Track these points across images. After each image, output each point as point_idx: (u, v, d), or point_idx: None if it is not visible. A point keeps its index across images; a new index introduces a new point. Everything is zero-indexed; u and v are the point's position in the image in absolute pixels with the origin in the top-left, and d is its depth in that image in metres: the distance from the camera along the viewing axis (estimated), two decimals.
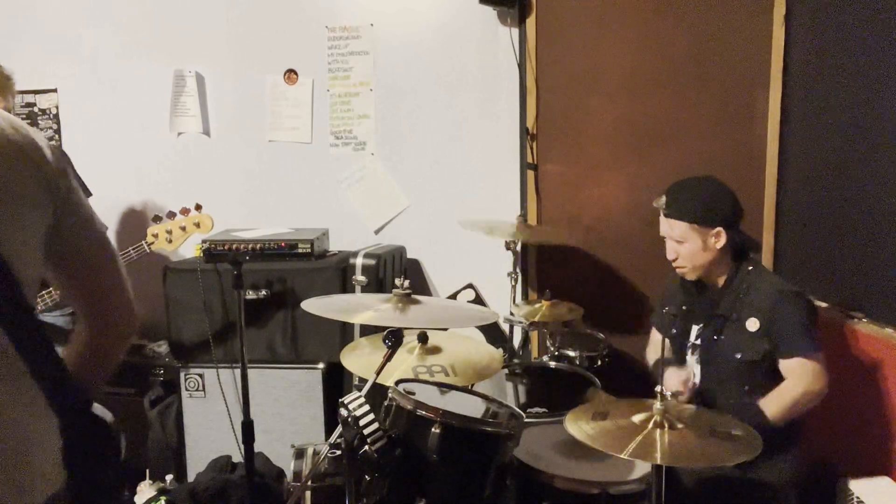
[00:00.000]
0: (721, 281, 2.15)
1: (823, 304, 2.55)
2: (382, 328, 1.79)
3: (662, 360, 1.94)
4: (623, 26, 3.09)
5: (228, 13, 3.32)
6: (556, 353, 2.62)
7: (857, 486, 2.08)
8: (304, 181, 3.36)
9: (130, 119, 3.42)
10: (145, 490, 2.71)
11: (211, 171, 3.41)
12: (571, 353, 2.60)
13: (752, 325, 2.05)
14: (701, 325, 2.19)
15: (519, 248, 3.00)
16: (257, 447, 2.46)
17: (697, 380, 2.17)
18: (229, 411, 2.83)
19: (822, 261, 2.71)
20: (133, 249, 2.53)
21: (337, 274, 2.84)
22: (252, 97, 3.36)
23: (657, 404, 1.60)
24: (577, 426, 1.61)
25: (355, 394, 1.60)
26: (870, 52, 2.39)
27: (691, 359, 2.20)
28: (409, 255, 3.30)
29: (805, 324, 2.01)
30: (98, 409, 1.21)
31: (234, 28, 3.32)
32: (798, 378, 2.00)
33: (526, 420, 1.81)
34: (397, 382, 1.77)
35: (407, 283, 2.12)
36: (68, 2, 3.39)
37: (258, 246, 2.86)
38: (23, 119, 2.68)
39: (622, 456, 1.48)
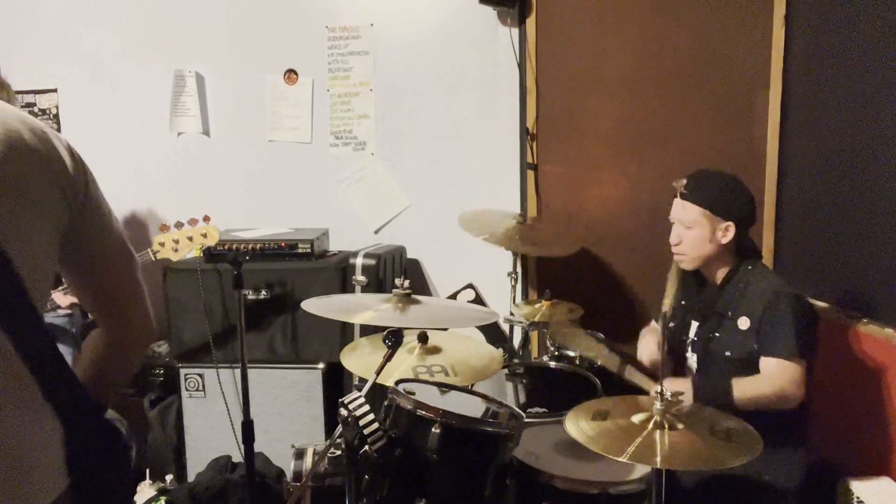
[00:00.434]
0: (720, 278, 2.14)
1: (823, 305, 2.55)
2: (382, 328, 1.79)
3: (663, 359, 1.94)
4: (623, 26, 3.10)
5: (228, 13, 3.32)
6: (556, 353, 2.62)
7: (858, 487, 2.08)
8: (304, 181, 3.36)
9: (130, 119, 3.42)
10: (145, 490, 2.71)
11: (211, 171, 3.41)
12: (571, 353, 2.60)
13: (744, 323, 2.04)
14: (699, 320, 2.19)
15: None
16: (257, 447, 2.46)
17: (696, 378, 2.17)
18: (229, 411, 2.83)
19: (822, 261, 2.71)
20: (138, 257, 2.54)
21: (337, 274, 2.84)
22: (252, 97, 3.36)
23: (657, 404, 1.60)
24: (577, 426, 1.61)
25: (355, 394, 1.60)
26: (870, 52, 2.39)
27: (694, 356, 2.20)
28: (409, 255, 3.30)
29: (796, 326, 1.98)
30: (113, 417, 1.20)
31: (234, 28, 3.32)
32: (773, 379, 1.97)
33: (526, 420, 1.81)
34: (397, 382, 1.77)
35: (407, 283, 2.12)
36: (68, 2, 3.39)
37: (258, 246, 2.86)
38: None
39: (622, 459, 1.48)
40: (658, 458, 1.48)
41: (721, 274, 2.14)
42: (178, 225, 2.58)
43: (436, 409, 1.61)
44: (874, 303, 2.35)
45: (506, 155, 3.23)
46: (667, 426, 1.56)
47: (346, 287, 2.83)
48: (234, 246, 2.82)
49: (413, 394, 1.68)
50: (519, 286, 3.10)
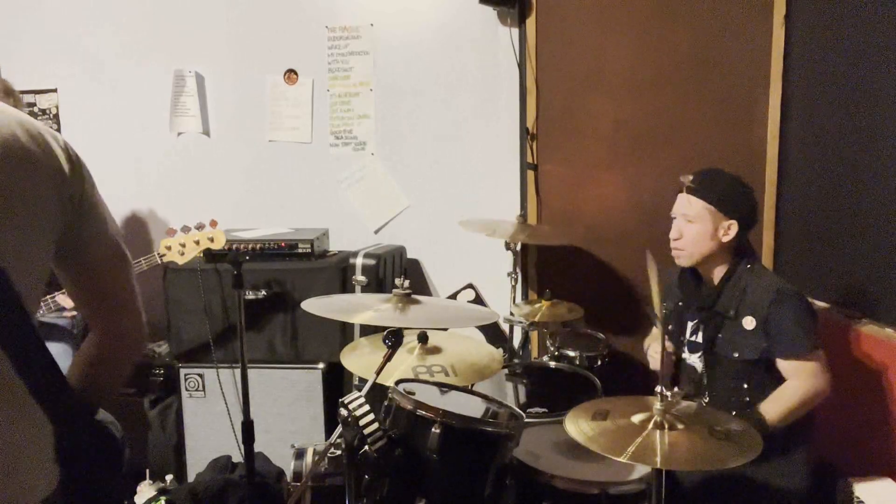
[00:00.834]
0: (717, 277, 2.14)
1: (823, 305, 2.55)
2: (382, 328, 1.79)
3: (663, 357, 1.94)
4: (623, 26, 3.10)
5: (228, 13, 3.32)
6: (556, 353, 2.62)
7: (859, 488, 2.08)
8: (304, 181, 3.36)
9: (130, 119, 3.42)
10: (145, 490, 2.71)
11: (211, 171, 3.41)
12: (571, 353, 2.60)
13: (749, 323, 2.05)
14: (696, 319, 2.19)
15: (519, 248, 3.00)
16: (257, 447, 2.46)
17: (703, 380, 2.17)
18: (229, 411, 2.83)
19: (822, 261, 2.71)
20: (144, 260, 2.55)
21: (337, 274, 2.84)
22: (252, 97, 3.36)
23: (657, 404, 1.60)
24: (577, 427, 1.61)
25: (355, 394, 1.60)
26: (870, 52, 2.39)
27: (692, 356, 2.20)
28: (409, 255, 3.30)
29: (802, 323, 2.00)
30: (107, 419, 1.20)
31: (234, 28, 3.32)
32: (798, 379, 2.00)
33: (526, 420, 1.81)
34: (397, 382, 1.77)
35: (407, 283, 2.12)
36: (68, 2, 3.39)
37: (258, 246, 2.86)
38: None
39: (621, 459, 1.48)
40: (658, 458, 1.48)
41: (718, 273, 2.14)
42: (185, 229, 2.59)
43: (436, 409, 1.61)
44: (874, 303, 2.35)
45: (506, 155, 3.23)
46: (667, 426, 1.56)
47: (346, 287, 2.83)
48: (234, 246, 2.82)
49: (413, 394, 1.68)
50: (519, 286, 3.10)
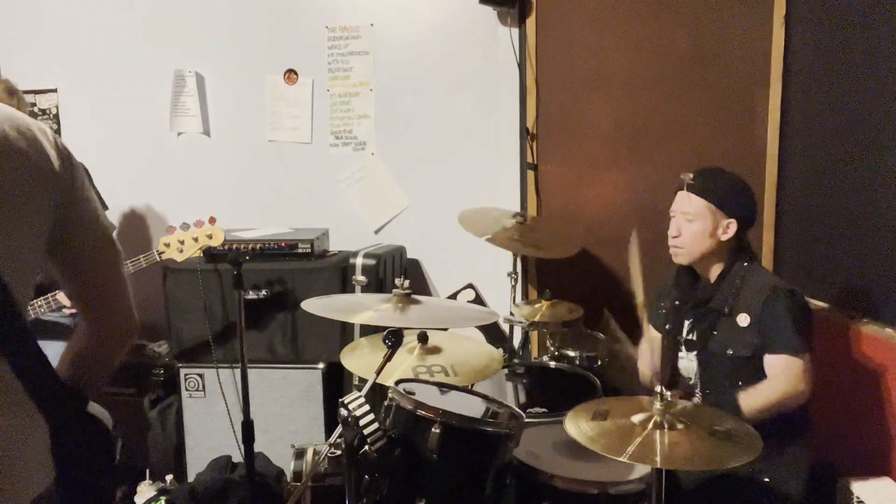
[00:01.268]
0: (714, 275, 2.15)
1: (824, 305, 2.55)
2: (382, 328, 1.79)
3: (663, 357, 1.94)
4: (623, 26, 3.09)
5: (228, 13, 3.32)
6: (556, 353, 2.62)
7: (858, 487, 2.08)
8: (304, 181, 3.36)
9: (130, 119, 3.42)
10: (145, 490, 2.71)
11: (211, 171, 3.41)
12: (571, 353, 2.60)
13: (743, 320, 2.05)
14: (692, 319, 2.19)
15: None
16: (257, 447, 2.46)
17: (695, 375, 2.17)
18: (229, 411, 2.83)
19: (823, 261, 2.71)
20: (143, 257, 2.55)
21: (337, 274, 2.84)
22: (252, 97, 3.36)
23: (657, 404, 1.60)
24: (577, 427, 1.61)
25: (355, 394, 1.60)
26: (870, 51, 2.39)
27: (689, 354, 2.20)
28: (409, 255, 3.30)
29: (795, 321, 2.00)
30: (96, 409, 1.21)
31: (234, 28, 3.32)
32: (780, 378, 1.99)
33: (526, 420, 1.81)
34: (397, 382, 1.77)
35: (407, 283, 2.12)
36: (68, 2, 3.39)
37: (258, 246, 2.86)
38: None
39: (621, 459, 1.48)
40: (658, 458, 1.48)
41: (715, 271, 2.15)
42: (184, 226, 2.59)
43: (436, 409, 1.61)
44: (874, 303, 2.35)
45: (506, 155, 3.23)
46: (666, 426, 1.56)
47: (346, 287, 2.83)
48: (234, 246, 2.82)
49: (413, 394, 1.68)
50: (519, 286, 3.10)
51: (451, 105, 3.25)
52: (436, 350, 2.09)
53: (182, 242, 2.57)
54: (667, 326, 2.25)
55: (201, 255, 2.81)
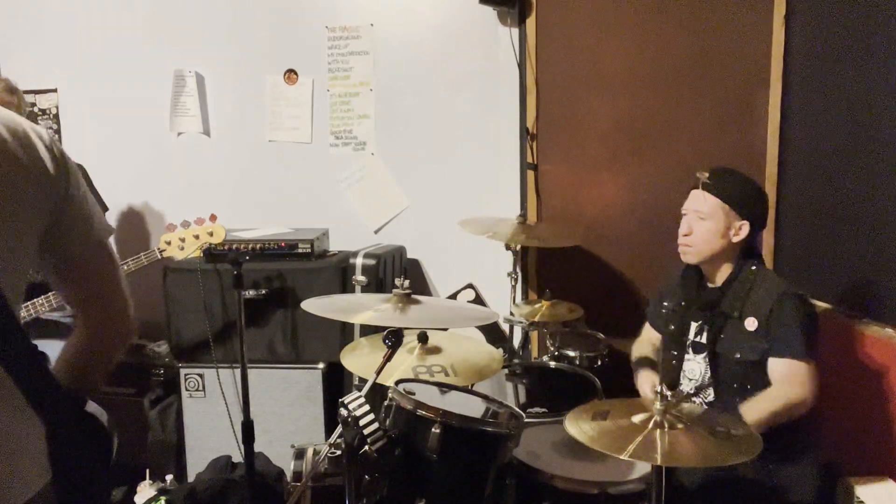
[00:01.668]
0: (721, 278, 2.14)
1: (824, 305, 2.55)
2: (382, 328, 1.79)
3: (663, 357, 1.94)
4: (623, 26, 3.09)
5: (228, 13, 3.32)
6: (556, 353, 2.62)
7: (859, 488, 2.08)
8: (304, 181, 3.36)
9: (130, 119, 3.42)
10: (145, 490, 2.71)
11: (211, 171, 3.41)
12: (571, 353, 2.60)
13: (752, 324, 2.04)
14: (700, 321, 2.19)
15: (519, 248, 3.00)
16: (257, 447, 2.46)
17: (707, 378, 2.16)
18: (229, 411, 2.83)
19: (823, 261, 2.71)
20: (144, 255, 2.55)
21: (337, 274, 2.84)
22: (252, 97, 3.36)
23: (657, 404, 1.60)
24: (577, 426, 1.61)
25: (355, 394, 1.60)
26: (870, 51, 2.39)
27: (696, 357, 2.20)
28: (409, 255, 3.30)
29: (803, 326, 1.99)
30: (93, 407, 1.21)
31: (234, 28, 3.32)
32: (783, 384, 1.98)
33: (526, 420, 1.81)
34: (397, 382, 1.77)
35: (407, 283, 2.12)
36: (68, 2, 3.39)
37: (258, 246, 2.86)
38: None
39: (622, 457, 1.48)
40: (658, 455, 1.48)
41: (723, 273, 2.14)
42: (185, 224, 2.59)
43: (436, 409, 1.61)
44: (874, 303, 2.35)
45: (506, 155, 3.22)
46: (667, 426, 1.56)
47: (346, 287, 2.83)
48: (234, 246, 2.82)
49: (413, 394, 1.68)
50: (519, 286, 3.10)
51: (451, 105, 3.25)
52: (436, 350, 2.09)
53: (183, 240, 2.57)
54: (670, 327, 2.25)
55: (201, 254, 2.82)
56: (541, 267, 3.24)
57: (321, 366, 2.82)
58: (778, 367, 1.99)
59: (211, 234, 2.60)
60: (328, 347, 2.78)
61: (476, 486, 1.64)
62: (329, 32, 3.28)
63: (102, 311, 1.24)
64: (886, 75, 2.28)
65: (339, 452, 1.96)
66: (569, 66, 3.14)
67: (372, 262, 2.87)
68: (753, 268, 2.11)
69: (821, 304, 2.55)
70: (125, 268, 2.52)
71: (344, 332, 2.80)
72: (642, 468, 1.76)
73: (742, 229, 2.08)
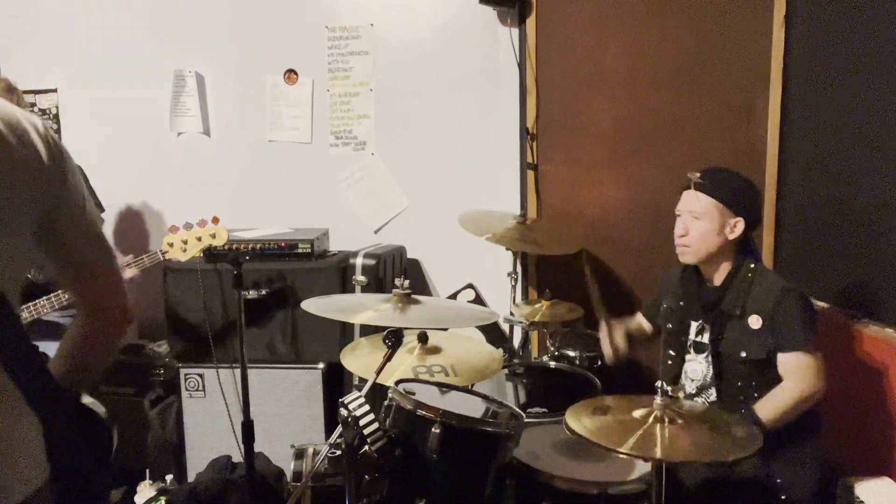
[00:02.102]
0: (719, 277, 2.14)
1: (824, 305, 2.55)
2: (382, 328, 1.79)
3: (663, 357, 1.94)
4: (623, 26, 3.10)
5: (228, 13, 3.32)
6: (556, 353, 2.62)
7: (859, 487, 2.08)
8: (304, 181, 3.36)
9: (130, 119, 3.42)
10: (145, 490, 2.71)
11: (211, 171, 3.41)
12: (571, 353, 2.60)
13: (755, 322, 2.04)
14: (700, 321, 2.19)
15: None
16: (257, 447, 2.46)
17: (709, 378, 2.17)
18: (229, 411, 2.83)
19: (823, 261, 2.71)
20: (147, 257, 2.55)
21: (337, 274, 2.84)
22: (252, 97, 3.36)
23: (657, 400, 1.60)
24: (577, 421, 1.61)
25: (355, 394, 1.60)
26: (870, 51, 2.39)
27: (697, 356, 2.20)
28: (409, 255, 3.30)
29: (806, 320, 2.01)
30: (90, 402, 1.21)
31: (234, 28, 3.32)
32: (794, 377, 1.99)
33: (526, 420, 1.81)
34: (397, 382, 1.77)
35: (407, 283, 2.12)
36: (68, 2, 3.39)
37: (258, 246, 2.86)
38: None
39: (621, 451, 1.48)
40: (658, 450, 1.48)
41: (722, 272, 2.14)
42: (188, 226, 2.59)
43: (436, 410, 1.61)
44: (874, 303, 2.35)
45: (506, 155, 3.22)
46: (667, 421, 1.57)
47: (346, 287, 2.83)
48: (234, 246, 2.82)
49: (413, 394, 1.68)
50: (519, 286, 3.10)
51: (451, 105, 3.25)
52: (436, 350, 2.09)
53: (185, 242, 2.57)
54: (668, 326, 2.25)
55: (201, 254, 2.82)
56: (541, 267, 3.24)
57: (321, 366, 2.82)
58: (788, 360, 2.01)
59: (213, 236, 2.60)
60: (328, 347, 2.78)
61: (476, 486, 1.64)
62: (329, 32, 3.28)
63: (100, 298, 1.24)
64: (886, 75, 2.29)
65: (339, 452, 1.95)
66: (569, 66, 3.14)
67: (372, 262, 2.87)
68: (752, 265, 2.11)
69: (821, 304, 2.55)
70: (127, 269, 2.52)
71: (344, 332, 2.80)
72: (642, 468, 1.76)
73: (737, 226, 2.08)
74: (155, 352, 3.17)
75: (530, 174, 3.19)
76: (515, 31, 3.14)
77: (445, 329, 2.24)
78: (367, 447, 1.54)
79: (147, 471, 2.79)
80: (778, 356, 2.02)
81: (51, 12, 3.40)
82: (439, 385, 1.89)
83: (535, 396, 2.38)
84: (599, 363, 2.59)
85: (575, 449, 1.86)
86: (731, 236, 2.09)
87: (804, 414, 2.00)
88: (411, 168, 3.31)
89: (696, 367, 2.19)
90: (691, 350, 2.21)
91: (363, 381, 2.06)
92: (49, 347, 1.20)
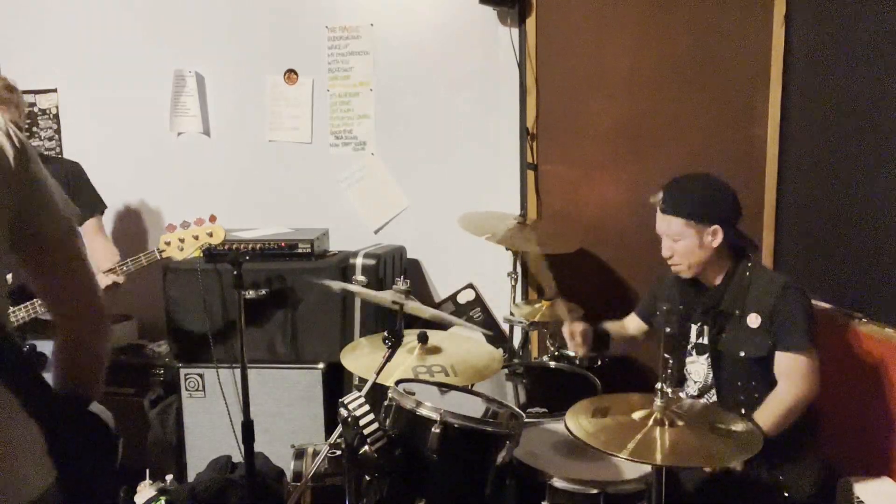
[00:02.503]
0: (717, 278, 2.14)
1: (824, 305, 2.55)
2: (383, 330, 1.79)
3: (663, 357, 1.94)
4: (623, 26, 3.10)
5: (228, 13, 3.32)
6: (556, 353, 2.62)
7: (859, 487, 2.08)
8: (304, 181, 3.36)
9: (130, 119, 3.42)
10: (145, 490, 2.71)
11: (211, 171, 3.41)
12: (571, 353, 2.60)
13: (754, 320, 2.04)
14: (699, 323, 2.19)
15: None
16: (257, 447, 2.46)
17: (710, 379, 2.17)
18: (229, 411, 2.83)
19: (822, 261, 2.71)
20: (144, 256, 2.54)
21: (337, 274, 2.83)
22: (252, 97, 3.36)
23: (657, 401, 1.60)
24: (577, 423, 1.61)
25: (355, 394, 1.60)
26: (870, 51, 2.39)
27: (699, 358, 2.20)
28: (409, 255, 3.30)
29: (806, 319, 2.02)
30: (99, 410, 1.20)
31: (234, 28, 3.32)
32: (788, 380, 2.00)
33: (526, 420, 1.81)
34: (397, 382, 1.77)
35: (407, 283, 2.12)
36: (68, 2, 3.39)
37: (258, 246, 2.86)
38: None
39: (622, 456, 1.48)
40: (658, 455, 1.48)
41: (720, 273, 2.14)
42: (185, 224, 2.59)
43: (436, 409, 1.61)
44: (874, 303, 2.35)
45: (506, 155, 3.22)
46: (667, 423, 1.56)
47: None
48: (234, 246, 2.82)
49: (413, 394, 1.68)
50: (519, 286, 3.10)
51: (451, 105, 3.25)
52: (436, 350, 2.09)
53: (182, 240, 2.57)
54: (667, 329, 2.25)
55: (201, 254, 2.81)
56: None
57: (321, 366, 2.82)
58: (783, 361, 2.01)
59: (210, 235, 2.60)
60: (328, 347, 2.78)
61: (476, 486, 1.64)
62: (329, 32, 3.28)
63: (77, 297, 1.21)
64: (886, 74, 2.29)
65: (339, 452, 1.96)
66: (569, 66, 3.14)
67: (372, 262, 2.87)
68: (749, 264, 2.12)
69: (821, 304, 2.55)
70: (124, 268, 2.52)
71: (344, 332, 2.81)
72: (642, 468, 1.76)
73: (716, 234, 2.07)
74: (155, 352, 3.17)
75: (530, 174, 3.19)
76: (515, 31, 3.14)
77: (445, 329, 2.23)
78: (367, 447, 1.54)
79: (147, 471, 2.78)
80: (776, 355, 2.03)
81: (51, 12, 3.40)
82: (439, 385, 1.89)
83: (535, 396, 2.38)
84: (599, 363, 2.59)
85: (575, 449, 1.86)
86: (715, 244, 2.08)
87: (803, 414, 2.00)
88: (411, 168, 3.31)
89: (699, 370, 2.19)
90: (693, 352, 2.21)
91: (363, 381, 2.06)
92: (46, 346, 1.19)
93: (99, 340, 1.26)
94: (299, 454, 2.24)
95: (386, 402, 1.71)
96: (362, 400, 1.58)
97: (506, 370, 2.53)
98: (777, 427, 1.94)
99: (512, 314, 2.79)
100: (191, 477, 2.88)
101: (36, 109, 3.46)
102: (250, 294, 2.74)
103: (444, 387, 1.89)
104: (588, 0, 3.10)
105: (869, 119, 2.40)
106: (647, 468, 1.68)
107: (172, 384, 2.96)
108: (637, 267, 3.16)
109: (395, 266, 3.04)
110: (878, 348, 2.26)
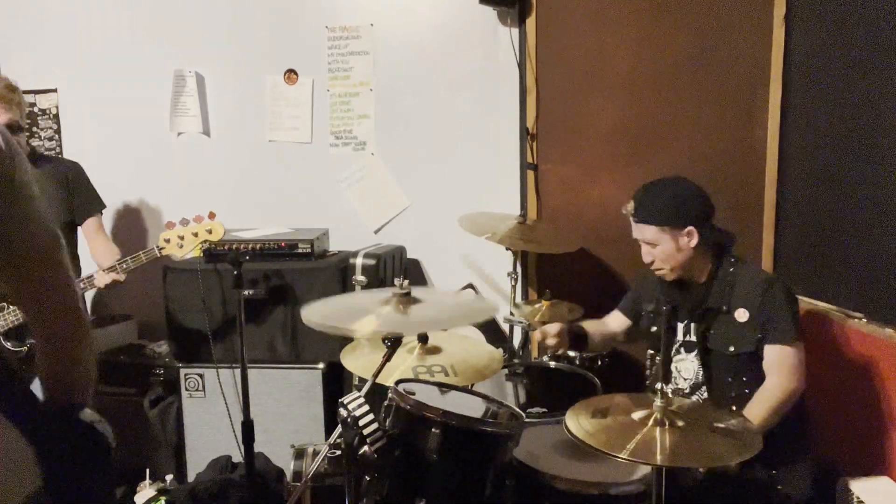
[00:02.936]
0: (702, 277, 2.16)
1: (824, 305, 2.55)
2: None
3: (663, 357, 1.95)
4: (623, 26, 3.10)
5: (228, 13, 3.32)
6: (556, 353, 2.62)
7: (858, 487, 2.08)
8: (304, 181, 3.36)
9: (130, 119, 3.42)
10: (145, 490, 2.71)
11: (211, 171, 3.41)
12: (571, 353, 2.60)
13: (742, 315, 2.06)
14: (686, 321, 2.20)
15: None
16: (257, 447, 2.46)
17: (701, 376, 2.17)
18: (229, 411, 2.83)
19: (822, 261, 2.71)
20: (143, 253, 2.55)
21: (337, 274, 2.84)
22: (252, 97, 3.36)
23: (657, 401, 1.60)
24: (577, 423, 1.61)
25: (355, 394, 1.60)
26: (870, 51, 2.39)
27: (688, 356, 2.20)
28: (409, 255, 3.30)
29: (792, 311, 2.04)
30: (91, 417, 1.18)
31: (234, 28, 3.32)
32: (777, 373, 2.01)
33: (526, 420, 1.81)
34: (397, 382, 1.77)
35: (407, 282, 2.11)
36: (68, 2, 3.39)
37: (258, 246, 2.86)
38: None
39: (621, 457, 1.48)
40: (658, 456, 1.48)
41: (704, 271, 2.16)
42: (184, 222, 2.59)
43: (436, 410, 1.61)
44: (874, 303, 2.35)
45: (506, 155, 3.22)
46: (667, 423, 1.56)
47: (346, 287, 2.83)
48: (234, 246, 2.82)
49: (413, 394, 1.68)
50: (519, 286, 3.10)
51: (451, 105, 3.25)
52: (436, 350, 2.09)
53: (182, 238, 2.57)
54: (652, 329, 2.27)
55: (201, 254, 2.82)
56: (541, 267, 3.24)
57: (321, 366, 2.82)
58: (771, 354, 2.03)
59: (210, 232, 2.60)
60: (328, 347, 2.77)
61: (476, 486, 1.64)
62: (329, 32, 3.28)
63: (58, 307, 1.18)
64: (886, 75, 2.29)
65: (339, 452, 1.96)
66: (569, 66, 3.14)
67: (372, 262, 2.87)
68: (732, 260, 2.14)
69: (821, 304, 2.55)
70: (124, 266, 2.52)
71: None
72: (643, 468, 1.76)
73: (691, 235, 2.08)
74: (155, 352, 3.17)
75: (530, 174, 3.19)
76: (515, 31, 3.14)
77: (445, 329, 2.24)
78: (366, 447, 1.53)
79: (147, 471, 2.79)
80: (764, 348, 2.04)
81: (51, 12, 3.40)
82: (439, 385, 1.89)
83: (535, 396, 2.38)
84: (599, 363, 2.59)
85: (575, 449, 1.85)
86: (692, 244, 2.09)
87: (794, 412, 2.01)
88: (411, 168, 3.31)
89: (689, 367, 2.20)
90: (682, 350, 2.22)
91: (363, 381, 2.06)
92: None
93: (78, 347, 1.22)
94: (299, 454, 2.24)
95: (386, 403, 1.71)
96: (362, 400, 1.58)
97: (506, 370, 2.53)
98: (767, 422, 1.94)
99: (512, 314, 2.79)
100: (191, 477, 2.88)
101: (36, 109, 3.46)
102: (250, 294, 2.74)
103: (444, 387, 1.89)
104: (588, 0, 3.10)
105: (869, 119, 2.40)
106: (648, 469, 1.68)
107: (172, 384, 2.96)
108: (637, 267, 3.14)
109: (395, 266, 3.04)
110: (878, 348, 2.26)
